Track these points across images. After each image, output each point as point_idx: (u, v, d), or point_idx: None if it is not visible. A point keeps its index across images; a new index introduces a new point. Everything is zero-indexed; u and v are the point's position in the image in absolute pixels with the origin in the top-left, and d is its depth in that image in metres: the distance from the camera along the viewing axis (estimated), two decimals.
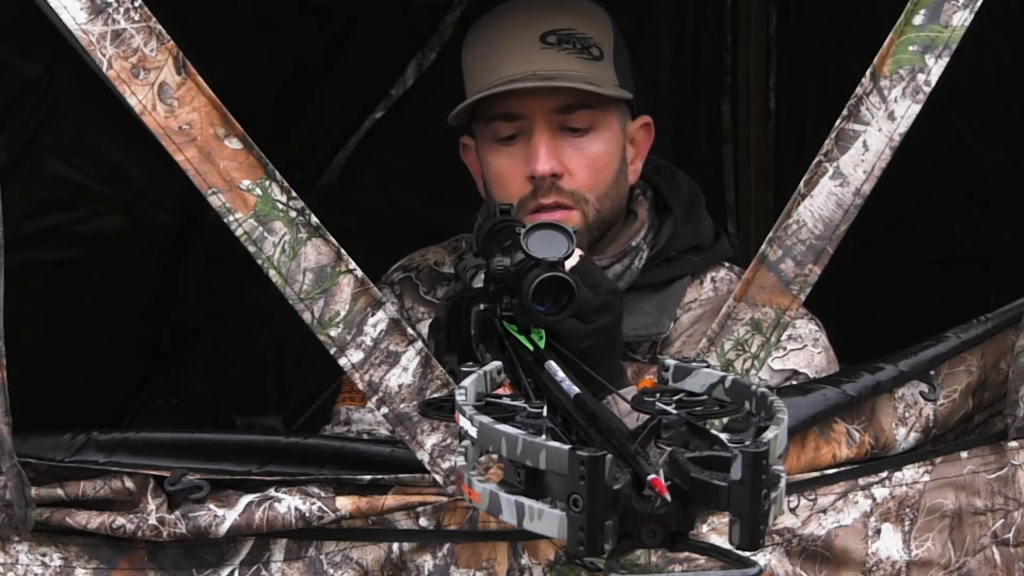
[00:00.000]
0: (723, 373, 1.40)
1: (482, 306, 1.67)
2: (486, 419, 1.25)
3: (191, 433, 1.73)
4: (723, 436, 1.25)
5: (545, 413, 1.31)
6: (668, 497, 1.16)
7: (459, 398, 1.32)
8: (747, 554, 1.18)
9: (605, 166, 2.01)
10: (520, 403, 1.32)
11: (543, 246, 1.60)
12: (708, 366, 1.42)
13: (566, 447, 1.16)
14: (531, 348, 1.57)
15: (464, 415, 1.28)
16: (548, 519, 1.17)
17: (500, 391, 1.44)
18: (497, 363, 1.48)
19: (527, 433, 1.21)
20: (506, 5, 2.07)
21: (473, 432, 1.26)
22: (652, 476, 1.16)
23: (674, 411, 1.31)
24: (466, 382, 1.36)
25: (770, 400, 1.30)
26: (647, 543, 1.18)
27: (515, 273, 1.61)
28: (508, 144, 1.99)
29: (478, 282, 1.72)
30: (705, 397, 1.37)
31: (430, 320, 2.01)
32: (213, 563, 1.70)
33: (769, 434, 1.20)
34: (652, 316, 2.01)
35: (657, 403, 1.34)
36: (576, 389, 1.39)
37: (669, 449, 1.24)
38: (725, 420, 1.41)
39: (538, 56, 1.98)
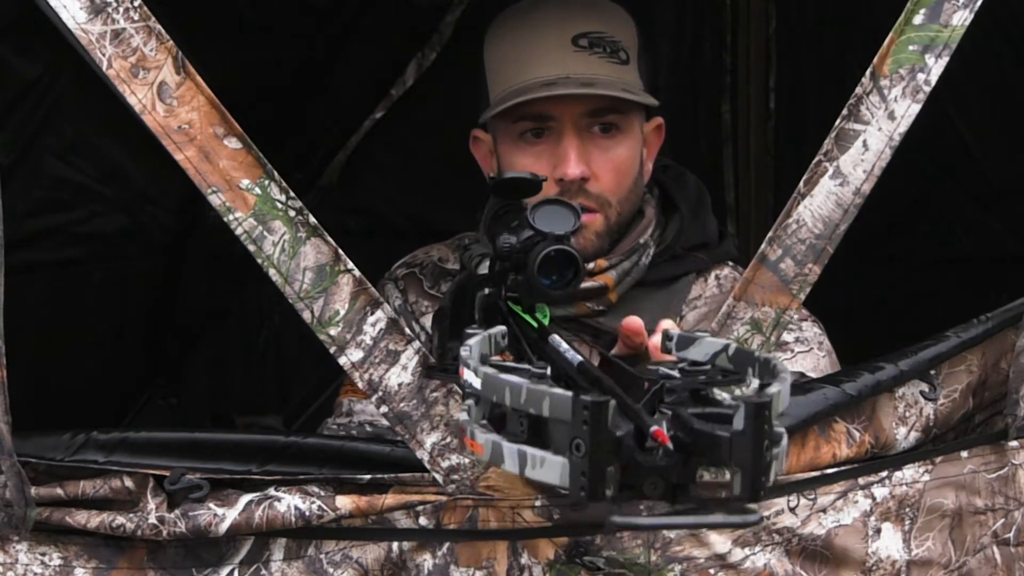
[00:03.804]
0: (726, 341, 1.41)
1: (487, 291, 1.68)
2: (490, 369, 1.25)
3: (191, 433, 1.73)
4: (725, 395, 1.26)
5: (549, 373, 1.32)
6: (670, 446, 1.16)
7: (463, 353, 1.33)
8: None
9: (628, 169, 2.02)
10: (524, 366, 1.34)
11: (550, 221, 1.62)
12: (711, 335, 1.43)
13: (569, 393, 1.17)
14: (536, 326, 1.58)
15: (468, 367, 1.29)
16: (550, 466, 1.17)
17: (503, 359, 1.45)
18: (501, 328, 1.50)
19: (531, 381, 1.22)
20: (530, 3, 2.07)
21: (477, 383, 1.27)
22: (654, 428, 1.17)
23: (677, 375, 1.31)
24: (470, 341, 1.37)
25: (773, 364, 1.31)
26: (648, 495, 1.18)
27: (521, 249, 1.63)
28: (534, 144, 2.00)
29: (483, 269, 1.73)
30: (709, 366, 1.38)
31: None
32: (213, 562, 1.70)
33: (772, 389, 1.21)
34: (657, 313, 2.01)
35: (661, 369, 1.34)
36: (579, 357, 1.40)
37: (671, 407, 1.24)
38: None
39: (571, 59, 1.98)
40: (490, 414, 1.32)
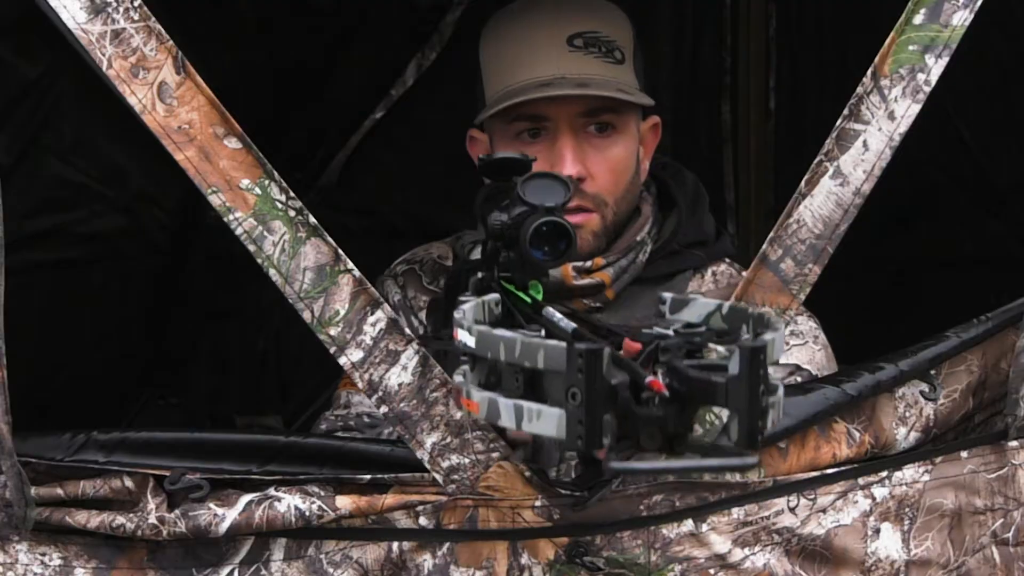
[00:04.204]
0: (719, 301, 1.41)
1: (480, 274, 1.68)
2: (484, 327, 1.26)
3: (191, 433, 1.73)
4: (720, 349, 1.26)
5: (543, 335, 1.32)
6: (666, 393, 1.16)
7: (457, 316, 1.33)
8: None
9: (625, 169, 2.02)
10: (518, 331, 1.34)
11: (540, 194, 1.62)
12: (704, 296, 1.43)
13: (563, 343, 1.17)
14: (528, 301, 1.58)
15: (463, 328, 1.29)
16: (547, 418, 1.17)
17: None
18: (495, 295, 1.50)
19: (525, 335, 1.22)
20: (526, 3, 2.07)
21: (471, 342, 1.26)
22: (650, 378, 1.17)
23: (672, 334, 1.31)
24: (464, 306, 1.37)
25: (767, 319, 1.31)
26: (646, 446, 1.18)
27: (512, 225, 1.63)
28: (529, 144, 1.99)
29: (476, 255, 1.73)
30: (703, 328, 1.38)
31: None
32: (213, 562, 1.70)
33: (767, 336, 1.21)
34: (654, 309, 2.02)
35: (655, 329, 1.34)
36: (573, 324, 1.40)
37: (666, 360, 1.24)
38: None
39: (566, 59, 1.98)
40: (485, 382, 1.32)
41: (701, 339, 1.32)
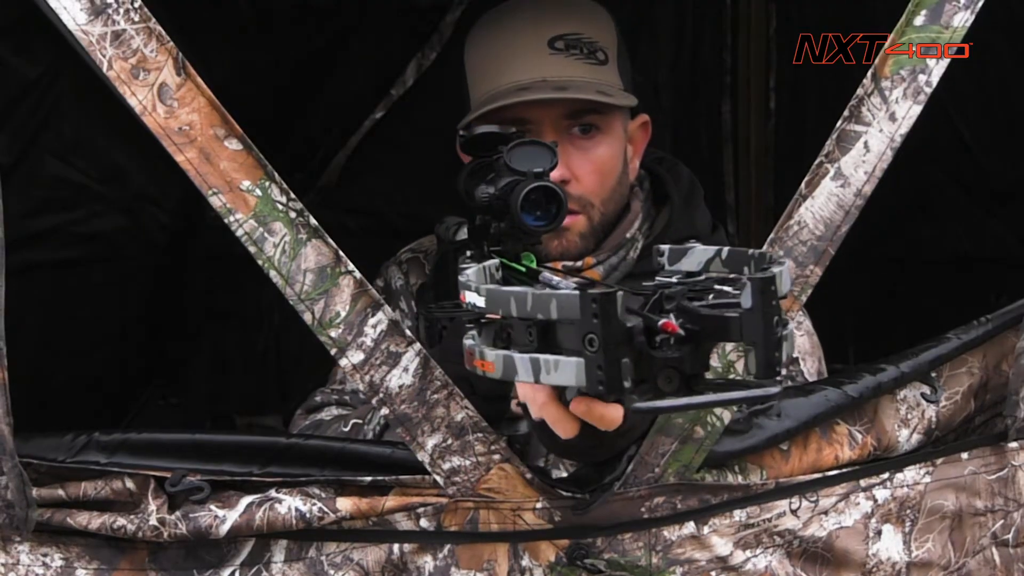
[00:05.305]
0: (718, 247, 1.41)
1: (468, 252, 1.68)
2: (493, 286, 1.25)
3: (192, 434, 1.73)
4: (727, 288, 1.25)
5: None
6: (681, 332, 1.15)
7: (462, 279, 1.33)
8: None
9: (610, 170, 2.02)
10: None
11: (526, 161, 1.62)
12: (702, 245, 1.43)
13: (576, 291, 1.16)
14: (523, 270, 1.58)
15: (470, 289, 1.29)
16: (564, 368, 1.17)
17: None
18: (495, 260, 1.50)
19: (534, 288, 1.21)
20: (509, 5, 2.07)
21: (481, 301, 1.26)
22: (663, 320, 1.17)
23: (675, 282, 1.31)
24: (469, 271, 1.37)
25: (769, 256, 1.31)
26: (664, 389, 1.18)
27: (500, 196, 1.63)
28: None
29: (462, 236, 1.72)
30: (704, 276, 1.37)
31: None
32: (214, 564, 1.69)
33: (775, 269, 1.20)
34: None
35: (657, 279, 1.34)
36: (573, 284, 1.40)
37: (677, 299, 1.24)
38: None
39: (547, 62, 1.98)
40: (494, 345, 1.31)
41: (703, 285, 1.32)
